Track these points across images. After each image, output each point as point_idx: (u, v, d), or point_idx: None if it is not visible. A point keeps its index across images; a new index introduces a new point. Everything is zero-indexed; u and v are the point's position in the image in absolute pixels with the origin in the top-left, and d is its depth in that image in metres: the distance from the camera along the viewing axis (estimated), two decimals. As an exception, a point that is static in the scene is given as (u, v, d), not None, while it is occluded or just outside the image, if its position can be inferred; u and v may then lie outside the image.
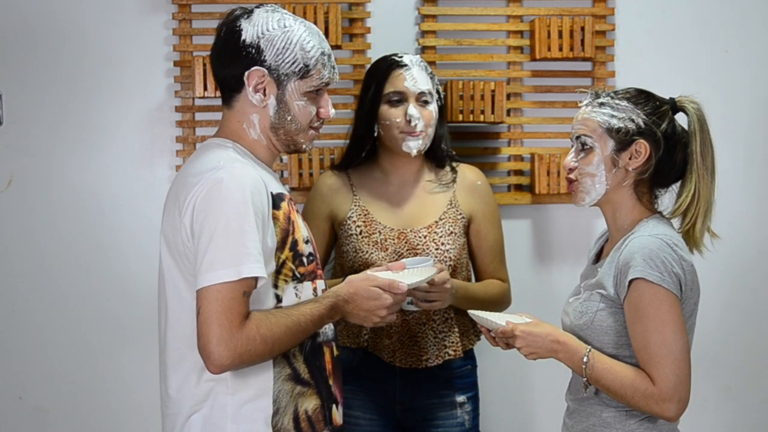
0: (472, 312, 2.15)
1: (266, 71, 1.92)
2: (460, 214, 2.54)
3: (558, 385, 2.17)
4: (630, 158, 2.00)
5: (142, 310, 2.80)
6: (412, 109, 2.47)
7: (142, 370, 2.80)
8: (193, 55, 2.82)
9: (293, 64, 1.93)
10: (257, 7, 1.96)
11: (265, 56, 1.92)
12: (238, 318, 1.76)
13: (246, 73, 1.92)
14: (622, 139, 2.00)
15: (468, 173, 2.60)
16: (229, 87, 1.95)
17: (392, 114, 2.49)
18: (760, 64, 3.01)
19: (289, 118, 1.97)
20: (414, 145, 2.48)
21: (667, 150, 1.99)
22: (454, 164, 2.60)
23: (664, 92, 2.08)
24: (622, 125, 1.99)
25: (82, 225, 2.84)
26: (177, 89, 2.85)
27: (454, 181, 2.57)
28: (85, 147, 2.84)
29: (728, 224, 2.87)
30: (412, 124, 2.46)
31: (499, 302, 2.57)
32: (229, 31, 1.93)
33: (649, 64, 2.95)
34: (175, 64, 2.84)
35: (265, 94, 1.94)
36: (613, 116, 2.00)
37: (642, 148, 1.99)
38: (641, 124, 1.99)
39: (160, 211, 1.97)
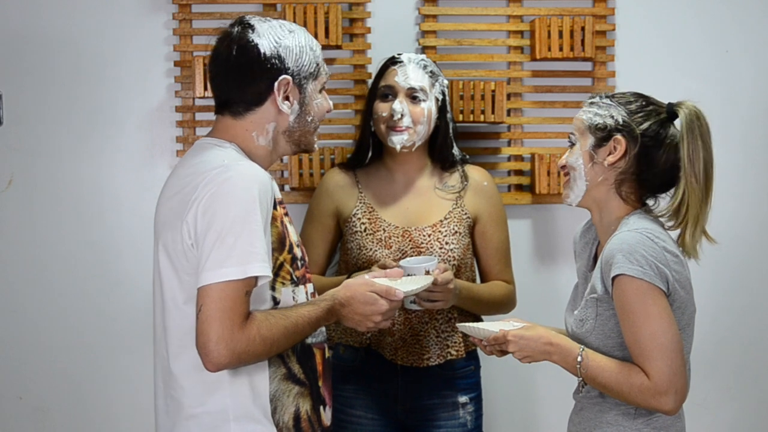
0: (460, 324, 2.16)
1: (291, 78, 1.94)
2: (466, 214, 2.54)
3: (562, 387, 2.17)
4: (609, 154, 2.01)
5: (141, 309, 2.79)
6: (397, 103, 2.48)
7: (142, 369, 2.78)
8: (194, 55, 2.82)
9: (309, 65, 1.98)
10: (245, 20, 1.96)
11: (287, 64, 1.94)
12: (240, 318, 1.77)
13: (276, 84, 1.93)
14: (601, 135, 2.02)
15: (474, 174, 2.60)
16: (246, 102, 1.95)
17: (380, 108, 2.52)
18: (760, 64, 3.01)
19: (309, 119, 2.01)
20: (397, 140, 2.49)
21: (647, 149, 1.99)
22: (463, 167, 2.60)
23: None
24: (601, 121, 2.02)
25: (82, 225, 2.84)
26: (177, 89, 2.85)
27: (463, 189, 2.56)
28: (85, 147, 2.84)
29: (728, 224, 2.88)
30: (395, 118, 2.47)
31: (504, 304, 2.57)
32: (243, 49, 1.93)
33: (650, 64, 2.95)
34: (176, 64, 2.84)
35: (290, 101, 1.95)
36: (596, 114, 2.03)
37: (618, 143, 2.00)
38: (620, 120, 2.00)
39: (161, 211, 1.97)
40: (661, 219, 2.03)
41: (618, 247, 1.91)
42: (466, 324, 2.15)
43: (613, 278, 1.91)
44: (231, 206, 1.79)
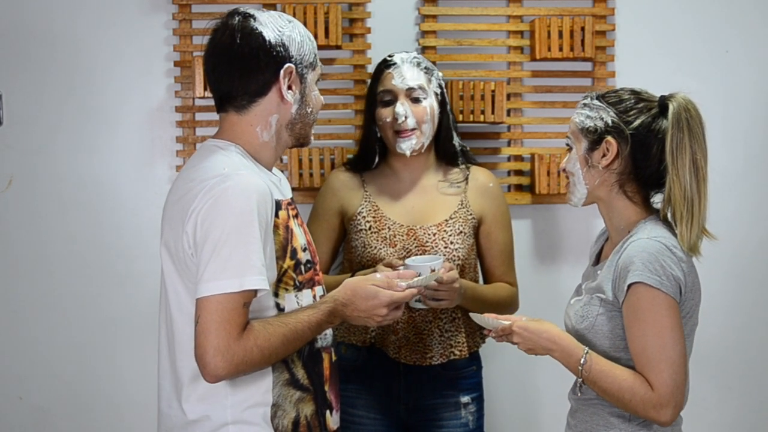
0: (473, 315, 2.16)
1: (294, 67, 1.93)
2: (471, 214, 2.55)
3: (563, 388, 2.17)
4: (602, 157, 2.01)
5: (142, 310, 2.80)
6: (399, 106, 2.48)
7: (142, 369, 2.80)
8: (193, 55, 2.82)
9: (309, 55, 1.97)
10: (243, 11, 1.95)
11: (291, 52, 1.93)
12: (237, 329, 1.76)
13: (281, 72, 1.91)
14: (593, 138, 2.02)
15: (480, 175, 2.61)
16: (250, 93, 1.92)
17: (383, 114, 2.52)
18: (760, 64, 3.01)
19: (309, 110, 1.99)
20: (406, 146, 2.49)
21: (639, 147, 1.98)
22: (467, 165, 2.61)
23: (663, 92, 2.07)
24: (592, 124, 2.02)
25: (82, 225, 2.84)
26: (177, 89, 2.85)
27: (465, 181, 2.57)
28: (85, 147, 2.84)
29: (729, 224, 2.88)
30: (399, 121, 2.47)
31: (508, 305, 2.57)
32: (248, 37, 1.90)
33: (649, 64, 2.95)
34: (176, 64, 2.84)
35: (293, 91, 1.95)
36: (588, 117, 2.03)
37: (609, 145, 2.00)
38: (609, 122, 2.00)
39: (161, 210, 1.97)
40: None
41: (637, 255, 1.90)
42: (476, 314, 2.15)
43: (630, 285, 1.90)
44: (228, 218, 1.77)
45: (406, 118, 2.48)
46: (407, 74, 2.51)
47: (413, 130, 2.49)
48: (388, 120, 2.50)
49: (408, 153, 2.50)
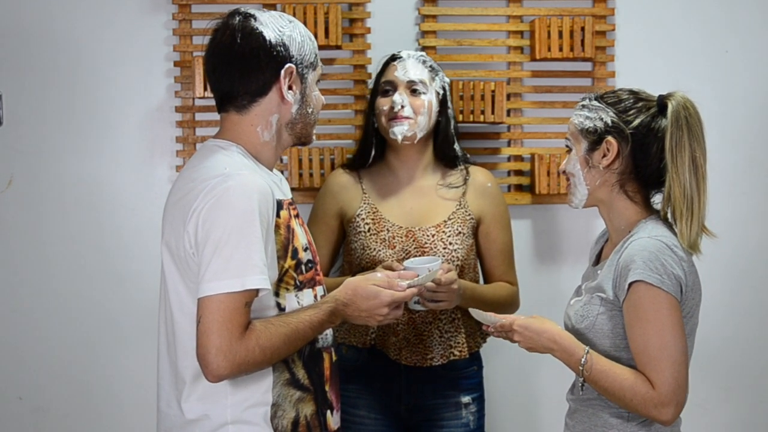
0: (472, 310, 2.15)
1: (295, 67, 1.93)
2: (469, 214, 2.55)
3: (564, 388, 2.17)
4: (603, 157, 2.01)
5: (142, 309, 2.80)
6: (397, 95, 2.50)
7: (142, 369, 2.80)
8: (193, 55, 2.82)
9: (309, 55, 1.97)
10: (244, 11, 1.95)
11: (292, 52, 1.93)
12: (239, 329, 1.76)
13: (282, 72, 1.91)
14: (593, 139, 2.02)
15: (478, 175, 2.61)
16: (250, 93, 1.92)
17: (381, 103, 2.54)
18: (759, 64, 3.01)
19: (309, 110, 1.99)
20: (398, 131, 2.50)
21: (639, 147, 1.98)
22: (465, 166, 2.61)
23: (663, 92, 2.08)
24: (591, 125, 2.02)
25: (82, 225, 2.84)
26: (177, 89, 2.85)
27: (465, 183, 2.58)
28: (85, 147, 2.84)
29: (728, 224, 2.88)
30: (395, 109, 2.48)
31: (508, 305, 2.57)
32: (248, 37, 1.90)
33: (649, 64, 2.96)
34: (175, 64, 2.84)
35: (293, 91, 1.95)
36: (587, 117, 2.03)
37: (610, 145, 2.00)
38: (609, 122, 2.00)
39: (161, 210, 1.97)
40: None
41: (638, 253, 1.91)
42: (477, 310, 2.16)
43: (630, 283, 1.90)
44: (229, 217, 1.78)
45: (402, 107, 2.49)
46: (410, 68, 2.52)
47: (408, 118, 2.49)
48: (385, 108, 2.52)
49: (399, 138, 2.50)
